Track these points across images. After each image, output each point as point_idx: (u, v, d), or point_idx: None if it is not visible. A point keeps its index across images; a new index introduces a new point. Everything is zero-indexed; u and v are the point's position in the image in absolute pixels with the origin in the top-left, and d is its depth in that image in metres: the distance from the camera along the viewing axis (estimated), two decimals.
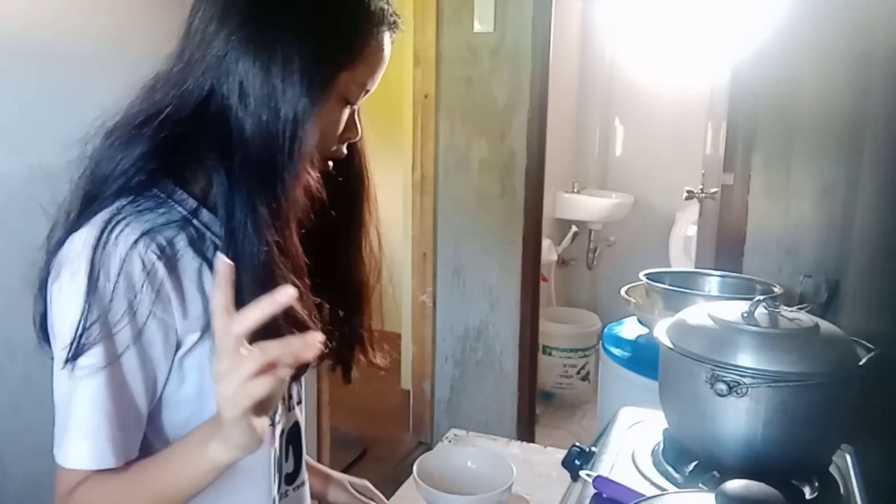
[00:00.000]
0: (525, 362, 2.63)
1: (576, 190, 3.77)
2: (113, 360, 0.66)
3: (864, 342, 0.87)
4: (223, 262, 0.59)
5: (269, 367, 0.57)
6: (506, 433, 2.30)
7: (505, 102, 2.49)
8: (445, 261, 2.66)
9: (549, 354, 3.35)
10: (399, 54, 2.74)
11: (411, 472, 1.08)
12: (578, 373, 3.39)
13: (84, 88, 1.58)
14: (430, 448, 2.55)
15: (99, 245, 0.65)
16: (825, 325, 0.87)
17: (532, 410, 2.74)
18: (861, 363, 0.82)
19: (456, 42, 2.51)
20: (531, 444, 1.37)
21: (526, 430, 2.67)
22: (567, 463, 0.95)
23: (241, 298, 0.62)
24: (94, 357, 0.65)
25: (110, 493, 0.68)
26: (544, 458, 1.30)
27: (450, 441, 1.39)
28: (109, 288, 0.65)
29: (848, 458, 0.92)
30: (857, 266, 1.61)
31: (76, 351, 0.64)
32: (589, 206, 3.69)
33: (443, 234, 2.65)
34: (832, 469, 0.89)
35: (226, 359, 0.58)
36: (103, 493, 0.68)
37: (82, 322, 0.64)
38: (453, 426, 1.50)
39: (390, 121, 3.11)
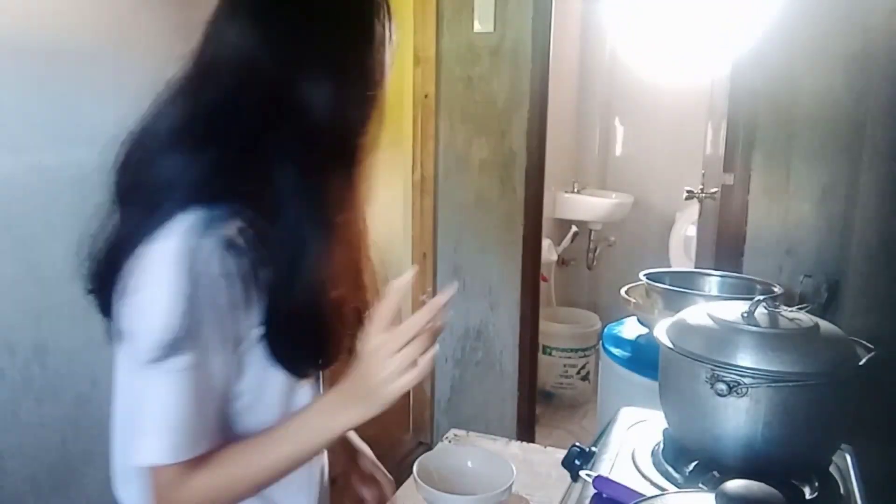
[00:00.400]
0: (525, 362, 2.62)
1: (576, 190, 3.77)
2: (201, 359, 0.70)
3: (864, 342, 0.87)
4: (404, 280, 0.74)
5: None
6: (506, 433, 2.30)
7: (505, 102, 2.48)
8: (445, 261, 2.66)
9: (549, 354, 3.35)
10: (399, 54, 2.73)
11: (411, 472, 1.08)
12: (578, 373, 3.39)
13: (84, 88, 1.58)
14: (430, 448, 2.55)
15: (183, 253, 0.68)
16: (825, 325, 0.87)
17: (532, 410, 2.74)
18: (861, 363, 0.82)
19: (456, 42, 2.51)
20: (531, 444, 1.37)
21: (526, 430, 2.67)
22: (567, 463, 0.95)
23: (310, 278, 0.72)
24: (185, 357, 0.68)
25: (220, 476, 0.74)
26: (544, 458, 1.30)
27: (450, 441, 1.39)
28: (195, 292, 0.68)
29: (848, 458, 0.92)
30: (857, 266, 1.61)
31: (167, 352, 0.67)
32: (589, 206, 3.69)
33: (443, 234, 2.65)
34: (832, 469, 0.89)
35: (388, 354, 0.71)
36: (213, 479, 0.73)
37: (173, 326, 0.67)
38: (453, 426, 1.50)
39: (390, 121, 3.08)
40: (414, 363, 0.71)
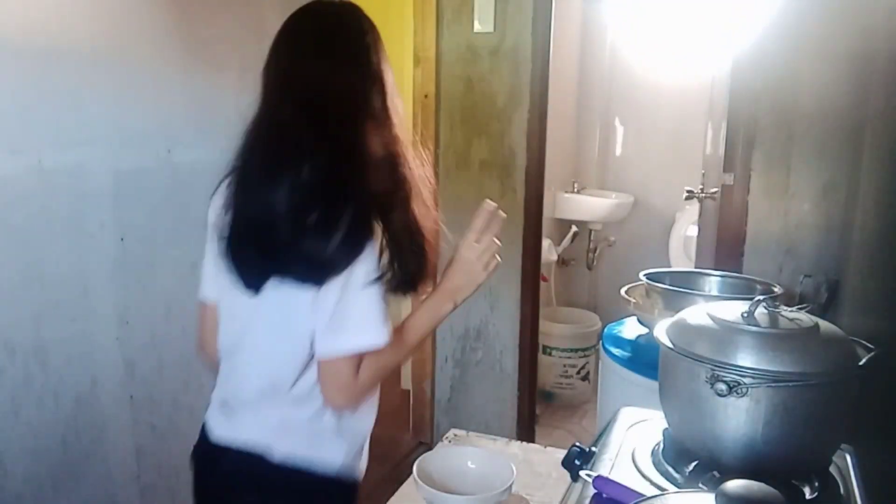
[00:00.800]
0: (525, 362, 2.62)
1: (576, 190, 3.77)
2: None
3: (864, 342, 0.87)
4: (490, 204, 1.15)
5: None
6: (506, 433, 2.30)
7: (505, 102, 2.48)
8: (446, 260, 2.65)
9: (549, 354, 3.35)
10: (399, 54, 2.74)
11: (411, 472, 1.08)
12: (578, 373, 3.39)
13: (84, 88, 1.58)
14: (430, 448, 2.55)
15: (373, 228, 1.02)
16: (825, 325, 0.87)
17: (532, 410, 2.74)
18: (861, 363, 0.82)
19: (456, 42, 2.51)
20: (531, 444, 1.37)
21: (526, 430, 2.67)
22: (567, 463, 0.95)
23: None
24: (381, 277, 1.02)
25: (380, 359, 1.05)
26: (544, 458, 1.30)
27: (450, 441, 1.39)
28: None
29: (848, 458, 0.92)
30: (857, 266, 1.61)
31: (380, 277, 1.01)
32: (589, 206, 3.69)
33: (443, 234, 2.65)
34: (832, 469, 0.89)
35: (482, 251, 1.13)
36: (376, 361, 1.05)
37: (377, 261, 1.01)
38: (453, 426, 1.50)
39: None
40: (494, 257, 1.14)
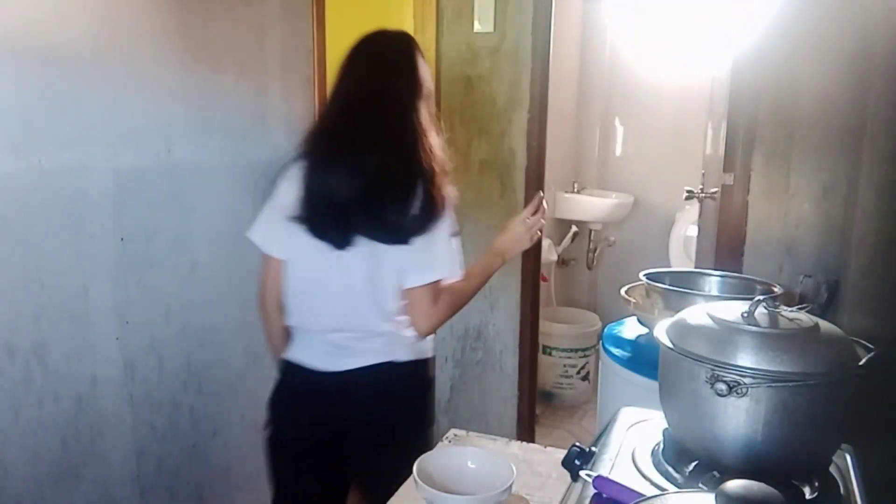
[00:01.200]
0: (525, 362, 2.62)
1: (576, 190, 3.77)
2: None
3: (864, 342, 0.87)
4: (540, 195, 1.57)
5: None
6: (506, 433, 2.30)
7: (505, 102, 2.48)
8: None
9: (549, 354, 3.36)
10: None
11: (411, 472, 1.08)
12: (578, 373, 3.39)
13: (84, 88, 1.58)
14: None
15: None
16: (825, 325, 0.87)
17: (532, 410, 2.74)
18: (861, 363, 0.82)
19: (456, 42, 2.51)
20: (531, 444, 1.37)
21: (526, 430, 2.67)
22: (567, 463, 0.95)
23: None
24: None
25: (451, 295, 1.44)
26: (544, 458, 1.30)
27: (450, 441, 1.39)
28: None
29: (848, 458, 0.92)
30: (857, 266, 1.61)
31: (454, 234, 1.43)
32: (589, 206, 3.69)
33: None
34: (832, 469, 0.89)
35: (531, 225, 1.54)
36: (449, 296, 1.43)
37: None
38: (453, 426, 1.50)
39: None
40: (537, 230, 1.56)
